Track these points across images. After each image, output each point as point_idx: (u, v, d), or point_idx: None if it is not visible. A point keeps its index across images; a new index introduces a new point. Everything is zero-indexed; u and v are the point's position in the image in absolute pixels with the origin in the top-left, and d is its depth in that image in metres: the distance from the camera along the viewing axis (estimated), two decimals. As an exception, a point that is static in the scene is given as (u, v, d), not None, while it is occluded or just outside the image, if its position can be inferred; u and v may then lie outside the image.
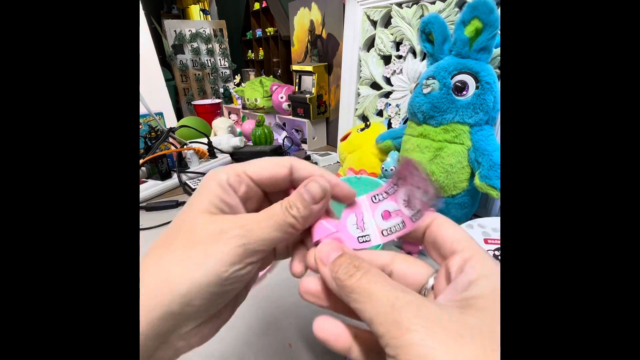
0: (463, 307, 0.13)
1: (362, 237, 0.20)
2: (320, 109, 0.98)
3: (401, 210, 0.19)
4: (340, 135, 0.83)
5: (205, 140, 0.85)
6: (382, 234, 0.19)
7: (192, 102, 2.02)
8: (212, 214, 0.18)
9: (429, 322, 0.12)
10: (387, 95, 0.72)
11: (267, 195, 0.21)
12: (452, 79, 0.45)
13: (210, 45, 2.59)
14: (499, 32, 0.43)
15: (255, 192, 0.20)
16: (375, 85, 0.74)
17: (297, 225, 0.18)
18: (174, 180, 0.74)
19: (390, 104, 0.71)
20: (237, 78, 1.85)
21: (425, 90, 0.47)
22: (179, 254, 0.16)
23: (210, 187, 0.18)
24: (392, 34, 0.67)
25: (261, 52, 2.75)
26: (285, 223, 0.18)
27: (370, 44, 0.74)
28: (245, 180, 0.20)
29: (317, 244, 0.19)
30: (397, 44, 0.68)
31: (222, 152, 0.89)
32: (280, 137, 0.94)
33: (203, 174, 0.77)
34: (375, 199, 0.20)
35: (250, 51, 2.95)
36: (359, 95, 0.78)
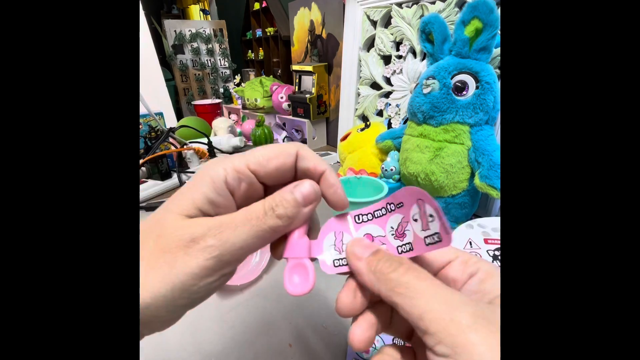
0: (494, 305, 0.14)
1: (338, 259, 0.17)
2: (320, 109, 0.98)
3: (387, 236, 0.17)
4: (340, 135, 0.83)
5: (205, 140, 0.85)
6: None
7: (192, 102, 2.02)
8: (188, 217, 0.16)
9: (488, 322, 0.12)
10: (387, 95, 0.72)
11: (266, 189, 0.19)
12: (452, 79, 0.45)
13: (210, 45, 2.59)
14: (499, 32, 0.43)
15: (257, 188, 0.18)
16: (375, 85, 0.74)
17: (281, 228, 0.16)
18: (173, 180, 0.74)
19: (390, 104, 0.71)
20: (237, 78, 1.85)
21: (425, 90, 0.47)
22: (144, 263, 0.14)
23: (198, 185, 0.16)
24: (392, 34, 0.67)
25: (261, 52, 2.75)
26: (267, 227, 0.16)
27: (370, 44, 0.74)
28: (247, 176, 0.17)
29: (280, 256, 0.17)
30: (397, 44, 0.68)
31: (222, 152, 0.90)
32: (280, 137, 0.94)
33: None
34: (359, 219, 0.18)
35: (250, 51, 2.95)
36: (359, 95, 0.78)
